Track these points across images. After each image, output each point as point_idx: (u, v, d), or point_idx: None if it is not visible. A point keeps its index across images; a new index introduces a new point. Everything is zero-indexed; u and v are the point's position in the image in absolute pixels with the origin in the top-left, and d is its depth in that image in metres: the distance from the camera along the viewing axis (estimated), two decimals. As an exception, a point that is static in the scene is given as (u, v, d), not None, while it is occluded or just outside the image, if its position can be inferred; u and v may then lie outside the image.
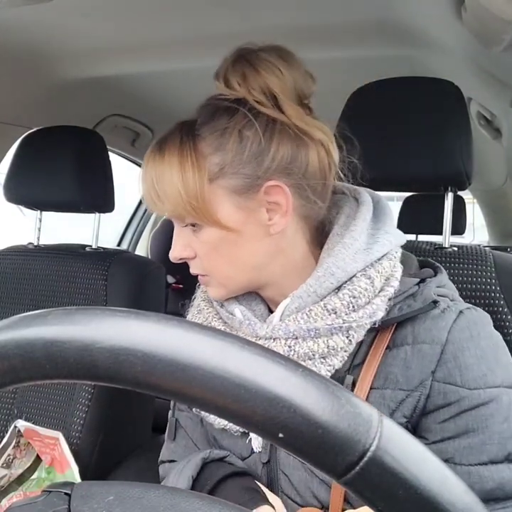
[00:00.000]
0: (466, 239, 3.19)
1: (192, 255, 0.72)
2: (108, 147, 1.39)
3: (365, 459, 0.25)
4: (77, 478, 1.06)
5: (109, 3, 1.10)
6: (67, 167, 1.29)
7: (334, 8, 1.11)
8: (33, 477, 1.15)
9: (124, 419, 1.33)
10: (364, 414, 0.26)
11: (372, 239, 0.69)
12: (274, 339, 0.68)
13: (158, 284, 1.40)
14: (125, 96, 1.72)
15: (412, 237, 2.35)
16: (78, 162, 1.30)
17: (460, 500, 0.26)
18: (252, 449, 0.74)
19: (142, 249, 2.81)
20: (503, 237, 2.95)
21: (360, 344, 0.68)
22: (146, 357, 0.26)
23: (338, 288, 0.68)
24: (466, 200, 2.63)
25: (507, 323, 0.90)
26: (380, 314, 0.65)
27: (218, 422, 0.74)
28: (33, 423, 1.16)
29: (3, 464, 1.11)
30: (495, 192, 2.51)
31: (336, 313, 0.65)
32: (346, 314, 0.65)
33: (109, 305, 1.27)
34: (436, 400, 0.64)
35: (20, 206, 1.44)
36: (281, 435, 0.25)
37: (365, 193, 0.75)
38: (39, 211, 1.44)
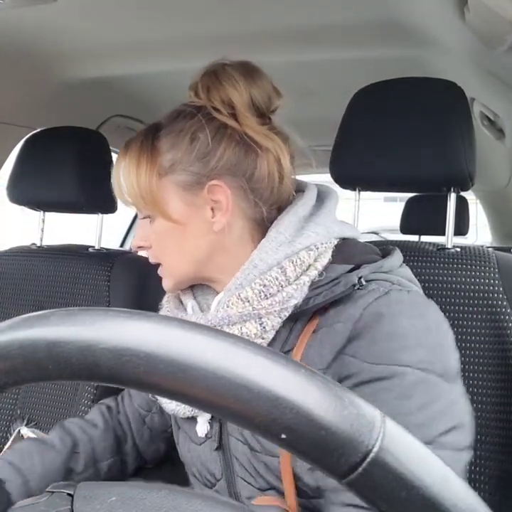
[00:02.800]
0: (469, 239, 3.18)
1: (148, 244, 0.80)
2: (111, 148, 1.39)
3: (368, 459, 0.25)
4: None
5: (112, 4, 1.10)
6: (70, 168, 1.29)
7: (336, 8, 1.11)
8: None
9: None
10: (367, 415, 0.26)
11: (300, 232, 0.73)
12: None
13: (161, 284, 1.40)
14: (128, 96, 1.72)
15: (415, 237, 2.36)
16: (81, 163, 1.30)
17: (462, 500, 0.26)
18: (206, 434, 0.78)
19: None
20: (506, 238, 2.94)
21: (289, 331, 0.71)
22: (148, 357, 0.26)
23: None
24: (468, 201, 2.62)
25: (509, 324, 0.90)
26: (293, 302, 0.68)
27: (167, 406, 0.80)
28: (35, 423, 1.16)
29: None
30: (498, 193, 2.50)
31: (248, 301, 0.70)
32: (258, 302, 0.69)
33: (112, 305, 1.27)
34: (341, 371, 0.65)
35: (22, 207, 1.44)
36: (283, 436, 0.25)
37: (312, 189, 0.79)
38: (42, 212, 1.44)
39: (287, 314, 0.69)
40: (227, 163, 0.73)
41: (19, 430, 1.15)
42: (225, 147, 0.73)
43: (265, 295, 0.69)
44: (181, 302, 0.84)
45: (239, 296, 0.71)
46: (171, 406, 0.79)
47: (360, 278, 0.68)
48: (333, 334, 0.67)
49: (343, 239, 0.75)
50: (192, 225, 0.75)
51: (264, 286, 0.70)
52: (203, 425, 0.78)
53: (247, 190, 0.74)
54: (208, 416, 0.78)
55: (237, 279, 0.73)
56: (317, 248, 0.71)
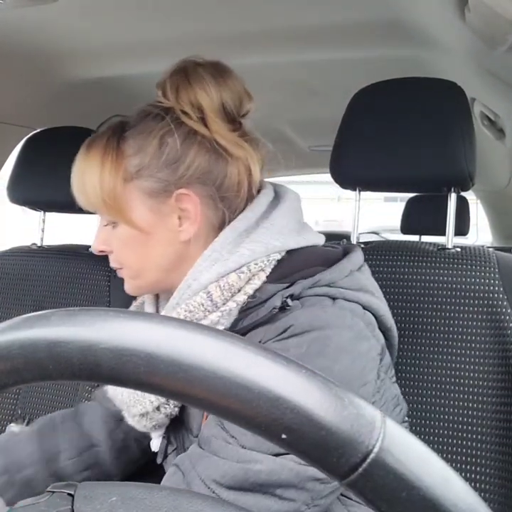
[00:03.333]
0: (469, 240, 3.18)
1: (109, 249, 0.76)
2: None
3: (368, 460, 0.25)
4: None
5: (112, 4, 1.10)
6: (70, 168, 1.28)
7: (337, 8, 1.11)
8: None
9: (127, 420, 1.33)
10: (367, 415, 0.26)
11: (235, 248, 0.70)
12: None
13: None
14: (129, 97, 1.72)
15: (415, 237, 2.36)
16: (81, 163, 1.30)
17: (463, 500, 0.26)
18: (166, 450, 0.78)
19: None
20: (506, 238, 2.94)
21: None
22: (149, 357, 0.26)
23: None
24: (468, 201, 2.62)
25: (509, 324, 0.89)
26: (220, 328, 0.66)
27: (128, 420, 0.77)
28: (36, 423, 1.16)
29: None
30: (498, 193, 2.50)
31: None
32: None
33: (112, 305, 1.27)
34: None
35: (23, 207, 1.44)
36: (284, 436, 0.25)
37: (263, 195, 0.74)
38: (43, 212, 1.44)
39: None
40: (196, 171, 0.70)
41: (10, 427, 1.15)
42: (194, 154, 0.70)
43: (190, 320, 0.67)
44: None
45: None
46: (130, 420, 0.76)
47: (289, 296, 0.66)
48: None
49: (289, 251, 0.71)
50: (158, 233, 0.72)
51: (190, 311, 0.68)
52: (156, 440, 0.78)
53: (216, 199, 0.72)
54: (161, 431, 0.77)
55: (173, 299, 0.71)
56: (250, 270, 0.68)
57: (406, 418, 0.81)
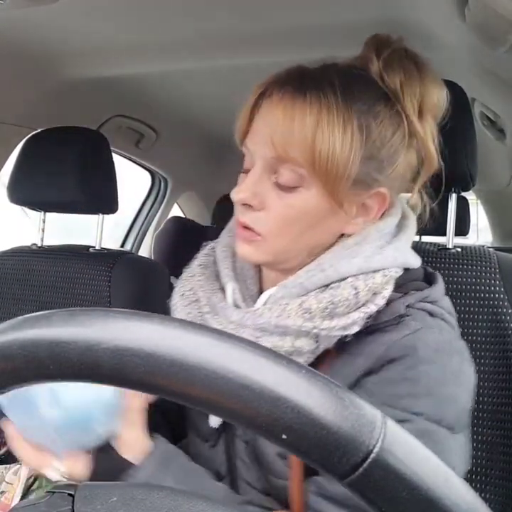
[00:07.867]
0: (470, 240, 3.18)
1: (258, 206, 0.65)
2: (112, 148, 1.39)
3: (369, 460, 0.25)
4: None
5: (113, 4, 1.10)
6: (71, 168, 1.29)
7: (337, 8, 1.11)
8: (33, 488, 1.14)
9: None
10: (368, 415, 0.26)
11: (379, 250, 0.66)
12: (243, 327, 0.65)
13: (162, 285, 1.40)
14: (129, 97, 1.73)
15: (415, 237, 2.35)
16: (82, 163, 1.30)
17: (463, 500, 0.26)
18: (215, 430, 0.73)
19: (145, 251, 2.81)
20: (507, 238, 2.94)
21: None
22: (149, 358, 0.26)
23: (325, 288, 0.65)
24: (469, 201, 2.62)
25: (510, 324, 0.89)
26: (355, 329, 0.62)
27: None
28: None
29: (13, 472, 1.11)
30: (499, 193, 2.50)
31: (310, 313, 0.62)
32: (320, 318, 0.62)
33: (112, 306, 1.27)
34: None
35: (23, 207, 1.44)
36: (284, 436, 0.25)
37: (398, 204, 0.72)
38: (43, 212, 1.44)
39: (339, 337, 0.63)
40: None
41: None
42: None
43: (330, 314, 0.62)
44: (216, 280, 0.74)
45: (301, 305, 0.62)
46: None
47: (407, 306, 0.64)
48: (349, 366, 0.63)
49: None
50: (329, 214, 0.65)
51: (332, 303, 0.62)
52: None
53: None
54: None
55: (298, 277, 0.65)
56: (390, 276, 0.65)
57: None
